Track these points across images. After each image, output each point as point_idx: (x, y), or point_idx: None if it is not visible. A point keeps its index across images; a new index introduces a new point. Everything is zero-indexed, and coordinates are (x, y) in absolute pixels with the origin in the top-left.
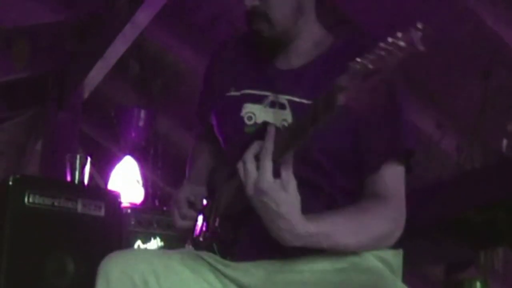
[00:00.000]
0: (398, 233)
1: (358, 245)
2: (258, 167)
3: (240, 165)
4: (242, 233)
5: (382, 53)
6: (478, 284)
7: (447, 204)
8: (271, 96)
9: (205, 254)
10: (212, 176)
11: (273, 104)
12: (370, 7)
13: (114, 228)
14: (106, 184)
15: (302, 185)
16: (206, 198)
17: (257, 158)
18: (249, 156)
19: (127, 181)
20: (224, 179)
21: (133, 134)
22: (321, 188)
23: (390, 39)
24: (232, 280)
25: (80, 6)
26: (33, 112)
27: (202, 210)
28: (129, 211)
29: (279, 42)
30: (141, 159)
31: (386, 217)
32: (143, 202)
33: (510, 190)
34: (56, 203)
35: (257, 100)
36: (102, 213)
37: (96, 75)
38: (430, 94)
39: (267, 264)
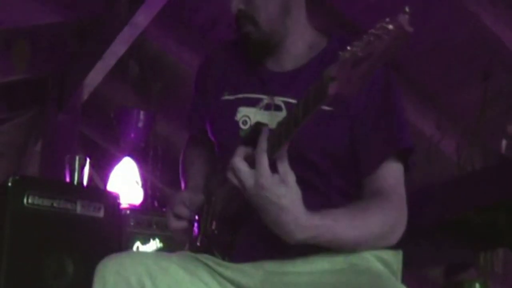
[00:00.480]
0: (400, 229)
1: (360, 241)
2: (251, 166)
3: (230, 171)
4: (239, 234)
5: (371, 38)
6: (477, 285)
7: (447, 205)
8: (265, 98)
9: (202, 256)
10: (208, 181)
11: (268, 107)
12: (369, 8)
13: (113, 229)
14: (105, 185)
15: (297, 184)
16: (201, 210)
17: (247, 159)
18: (237, 159)
19: (126, 182)
20: (219, 182)
21: (132, 135)
22: (316, 188)
23: (378, 25)
24: (230, 281)
25: (80, 7)
26: (33, 113)
27: (199, 214)
28: (128, 212)
29: (268, 43)
30: (141, 160)
31: (387, 213)
32: (142, 203)
33: (510, 191)
34: (55, 204)
35: (252, 103)
36: (101, 214)
37: (96, 76)
38: (430, 95)
39: (266, 265)
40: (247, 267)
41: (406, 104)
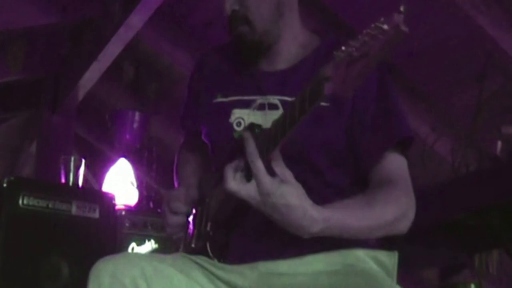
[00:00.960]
0: (411, 214)
1: (373, 229)
2: (248, 178)
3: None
4: (235, 235)
5: (366, 38)
6: (472, 287)
7: (441, 207)
8: (258, 99)
9: (198, 258)
10: (201, 183)
11: (261, 107)
12: (365, 10)
13: (108, 230)
14: (100, 186)
15: None
16: (196, 204)
17: (239, 170)
18: (229, 184)
19: (121, 183)
20: (213, 184)
21: (127, 137)
22: (309, 186)
23: (373, 25)
24: (226, 283)
25: (74, 9)
26: (28, 114)
27: (193, 216)
28: (123, 213)
29: (261, 44)
30: (136, 161)
31: (397, 200)
32: (138, 204)
33: (505, 193)
34: (50, 205)
35: (245, 105)
36: (96, 215)
37: (91, 77)
38: (425, 96)
39: (261, 266)
40: (242, 268)
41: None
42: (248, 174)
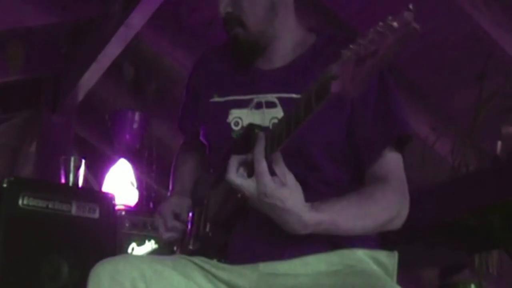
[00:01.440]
0: (404, 213)
1: (365, 229)
2: (248, 171)
3: (230, 186)
4: (234, 236)
5: (375, 36)
6: (472, 287)
7: (441, 207)
8: (255, 98)
9: (197, 259)
10: (199, 184)
11: (259, 106)
12: (364, 10)
13: (108, 231)
14: (100, 186)
15: None
16: (192, 208)
17: (242, 166)
18: (232, 176)
19: (121, 184)
20: (212, 185)
21: (127, 137)
22: (307, 183)
23: (382, 22)
24: (226, 283)
25: (74, 9)
26: (28, 114)
27: (191, 217)
28: (123, 213)
29: (256, 44)
30: (136, 162)
31: (391, 199)
32: (138, 205)
33: (505, 193)
34: (50, 205)
35: (242, 104)
36: (96, 215)
37: (91, 77)
38: (425, 96)
39: (261, 266)
40: (242, 268)
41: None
42: (251, 171)
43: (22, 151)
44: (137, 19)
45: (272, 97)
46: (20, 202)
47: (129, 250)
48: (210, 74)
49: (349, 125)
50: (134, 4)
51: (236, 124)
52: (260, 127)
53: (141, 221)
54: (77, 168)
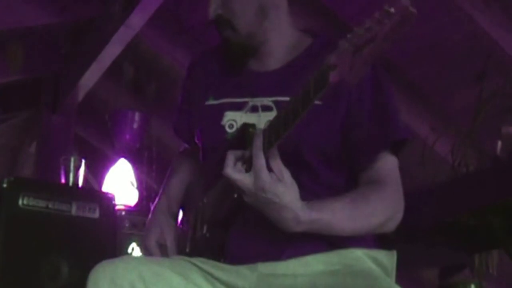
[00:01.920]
0: (399, 216)
1: (359, 231)
2: (246, 170)
3: (226, 181)
4: (233, 236)
5: (372, 24)
6: (472, 287)
7: (441, 207)
8: (251, 101)
9: (196, 259)
10: (193, 188)
11: (254, 109)
12: (364, 10)
13: (108, 231)
14: (100, 186)
15: None
16: (184, 213)
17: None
18: (229, 170)
19: (121, 184)
20: (207, 187)
21: (127, 137)
22: (303, 185)
23: (378, 12)
24: (225, 284)
25: (74, 9)
26: (28, 114)
27: (185, 221)
28: (123, 213)
29: (247, 46)
30: (136, 162)
31: (385, 202)
32: (137, 205)
33: (505, 193)
34: (50, 206)
35: (237, 107)
36: (96, 215)
37: (91, 77)
38: (425, 96)
39: (260, 266)
40: (241, 269)
41: (401, 105)
42: (248, 166)
43: (22, 151)
44: (137, 19)
45: (268, 100)
46: (20, 202)
47: (129, 250)
48: (204, 77)
49: (344, 128)
50: (134, 4)
51: (231, 126)
52: (254, 127)
53: (141, 221)
54: (77, 168)
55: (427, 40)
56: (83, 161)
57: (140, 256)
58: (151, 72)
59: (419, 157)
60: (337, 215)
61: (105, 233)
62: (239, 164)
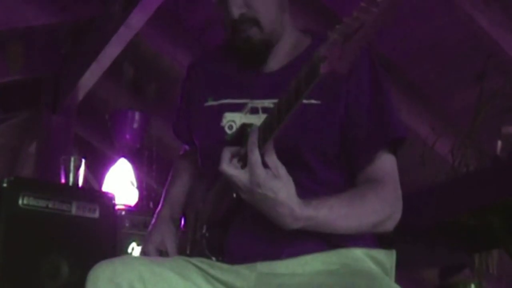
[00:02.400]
0: (397, 215)
1: (356, 229)
2: (241, 163)
3: (222, 177)
4: (232, 235)
5: (359, 14)
6: (473, 287)
7: (441, 207)
8: (250, 102)
9: (195, 259)
10: (193, 190)
11: (254, 111)
12: None
13: (108, 230)
14: (100, 186)
15: None
16: (186, 216)
17: (235, 157)
18: (225, 166)
19: (121, 183)
20: (206, 188)
21: (127, 137)
22: (301, 183)
23: (364, 1)
24: (224, 284)
25: (74, 9)
26: (28, 114)
27: (185, 222)
28: (123, 213)
29: (268, 45)
30: (136, 161)
31: (383, 200)
32: (138, 204)
33: (505, 193)
34: (50, 205)
35: (236, 108)
36: (96, 215)
37: (91, 77)
38: (425, 96)
39: (259, 266)
40: (240, 268)
41: (401, 105)
42: (244, 163)
43: (22, 151)
44: (137, 19)
45: (268, 102)
46: (20, 202)
47: (129, 250)
48: (204, 77)
49: (342, 127)
50: (134, 4)
51: (230, 128)
52: (251, 126)
53: (141, 221)
54: (77, 168)
55: (427, 40)
56: (83, 161)
57: (140, 256)
58: (151, 72)
59: (419, 157)
60: (334, 212)
61: (105, 233)
62: (235, 160)
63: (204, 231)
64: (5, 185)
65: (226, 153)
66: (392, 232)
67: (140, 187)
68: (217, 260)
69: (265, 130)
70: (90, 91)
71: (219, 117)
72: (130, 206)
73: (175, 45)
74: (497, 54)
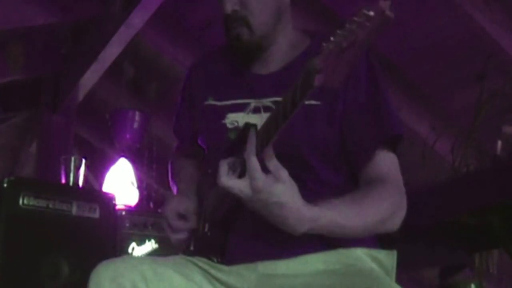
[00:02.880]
0: (401, 213)
1: (363, 228)
2: (241, 175)
3: (223, 190)
4: (232, 236)
5: (353, 26)
6: (473, 286)
7: (441, 207)
8: (253, 102)
9: (197, 259)
10: (199, 185)
11: (256, 110)
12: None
13: (108, 230)
14: (100, 186)
15: None
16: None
17: (233, 168)
18: (223, 179)
19: (121, 183)
20: (209, 186)
21: (127, 136)
22: (304, 183)
23: (359, 12)
24: (225, 285)
25: (74, 9)
26: (28, 114)
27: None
28: (123, 213)
29: (257, 47)
30: (136, 161)
31: (386, 198)
32: (138, 204)
33: (505, 193)
34: (50, 205)
35: (240, 108)
36: (96, 215)
37: (91, 77)
38: (425, 96)
39: (260, 266)
40: (241, 269)
41: (401, 105)
42: (242, 172)
43: (22, 151)
44: (137, 19)
45: (269, 101)
46: (20, 202)
47: (129, 250)
48: (205, 79)
49: (342, 127)
50: (134, 4)
51: (232, 125)
52: (255, 126)
53: (141, 220)
54: (78, 168)
55: (427, 40)
56: (84, 160)
57: (142, 256)
58: (151, 72)
59: (419, 157)
60: (340, 212)
61: (106, 233)
62: (231, 171)
63: (206, 230)
64: (5, 185)
65: (223, 166)
66: (393, 232)
67: (140, 187)
68: (218, 261)
69: (263, 138)
70: (90, 91)
71: (222, 117)
72: (130, 206)
73: (175, 45)
74: (497, 54)
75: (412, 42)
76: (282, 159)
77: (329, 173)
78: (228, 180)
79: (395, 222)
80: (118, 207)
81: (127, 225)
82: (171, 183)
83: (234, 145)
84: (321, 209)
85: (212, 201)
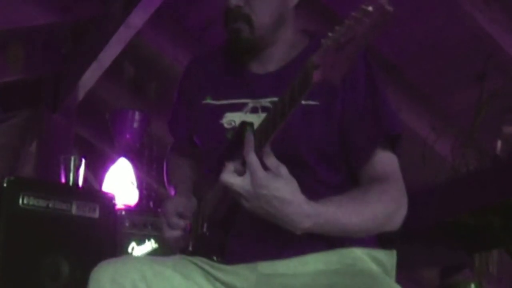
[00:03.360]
0: (403, 211)
1: (364, 226)
2: (241, 173)
3: (224, 188)
4: (232, 236)
5: (352, 22)
6: (473, 287)
7: (441, 207)
8: (251, 102)
9: (197, 259)
10: (196, 185)
11: (254, 110)
12: None
13: (108, 230)
14: (100, 186)
15: None
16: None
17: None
18: (225, 176)
19: (121, 183)
20: (207, 185)
21: (127, 136)
22: (302, 183)
23: (357, 9)
24: (225, 284)
25: (74, 9)
26: (28, 114)
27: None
28: (123, 213)
29: (256, 46)
30: (136, 161)
31: (388, 196)
32: (138, 204)
33: (505, 193)
34: (50, 205)
35: (237, 108)
36: (96, 215)
37: (91, 77)
38: (425, 96)
39: (260, 266)
40: (241, 269)
41: (401, 105)
42: (243, 170)
43: (23, 151)
44: (137, 19)
45: (266, 101)
46: (20, 201)
47: (129, 250)
48: (204, 77)
49: (340, 127)
50: (134, 4)
51: (230, 124)
52: (252, 125)
53: (141, 220)
54: (77, 167)
55: (427, 40)
56: (83, 160)
57: (142, 256)
58: (151, 72)
59: (419, 157)
60: (342, 210)
61: (105, 233)
62: (233, 168)
63: (204, 230)
64: (5, 184)
65: (229, 165)
66: (393, 232)
67: (140, 187)
68: (217, 260)
69: (261, 135)
70: (90, 90)
71: (220, 117)
72: (130, 206)
73: (175, 45)
74: (497, 54)
75: (412, 42)
76: (281, 159)
77: (328, 173)
78: (229, 178)
79: (396, 221)
80: (118, 206)
81: (127, 224)
82: (166, 181)
83: (232, 144)
84: (322, 206)
85: (211, 201)
